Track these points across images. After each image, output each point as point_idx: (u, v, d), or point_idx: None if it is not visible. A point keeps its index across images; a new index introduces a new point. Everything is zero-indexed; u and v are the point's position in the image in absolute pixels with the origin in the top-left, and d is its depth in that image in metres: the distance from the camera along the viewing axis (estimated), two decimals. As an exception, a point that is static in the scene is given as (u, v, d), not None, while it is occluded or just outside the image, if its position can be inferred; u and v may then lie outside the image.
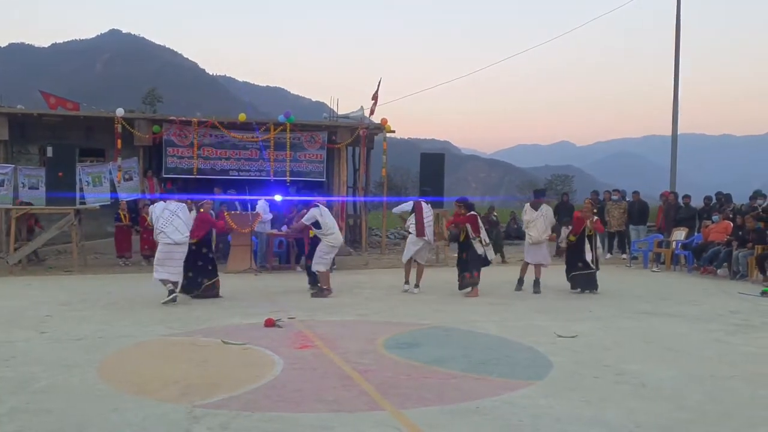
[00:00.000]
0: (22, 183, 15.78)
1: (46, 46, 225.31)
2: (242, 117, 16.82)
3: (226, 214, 14.01)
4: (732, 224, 13.78)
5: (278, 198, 14.37)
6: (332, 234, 10.32)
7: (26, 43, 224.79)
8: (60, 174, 13.38)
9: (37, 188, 15.57)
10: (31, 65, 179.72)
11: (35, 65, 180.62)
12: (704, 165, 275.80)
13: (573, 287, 10.96)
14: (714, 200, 16.01)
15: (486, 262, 10.67)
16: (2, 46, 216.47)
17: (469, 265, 10.49)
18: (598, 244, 11.02)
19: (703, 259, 13.75)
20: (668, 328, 7.85)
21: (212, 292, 9.94)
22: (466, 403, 4.79)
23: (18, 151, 16.93)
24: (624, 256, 16.61)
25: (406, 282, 10.88)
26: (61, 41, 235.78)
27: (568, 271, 11.08)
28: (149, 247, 14.14)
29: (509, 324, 7.99)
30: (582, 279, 10.85)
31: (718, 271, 13.29)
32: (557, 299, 10.18)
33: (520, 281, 11.11)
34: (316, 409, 4.66)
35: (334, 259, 11.14)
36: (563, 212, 17.64)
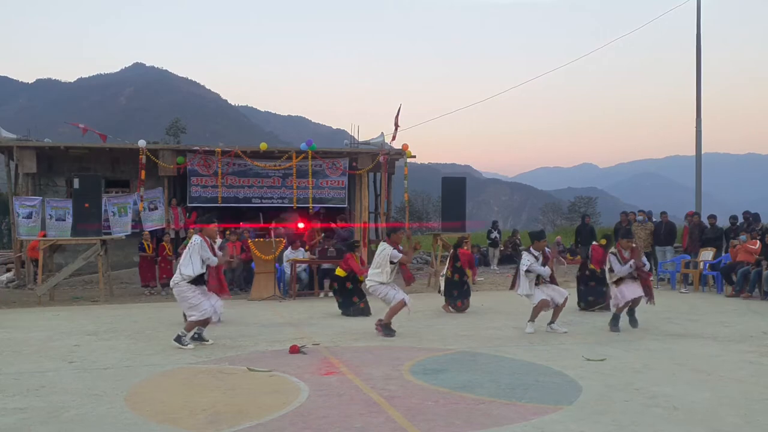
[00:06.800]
0: (50, 215, 16.06)
1: (72, 81, 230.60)
2: (264, 146, 17.03)
3: (249, 241, 14.09)
4: (761, 243, 13.54)
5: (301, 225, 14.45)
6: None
7: (53, 78, 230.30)
8: (86, 205, 13.58)
9: (64, 219, 15.83)
10: (57, 100, 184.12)
11: (62, 100, 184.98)
12: (729, 184, 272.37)
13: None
14: (741, 220, 15.77)
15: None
16: (30, 82, 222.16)
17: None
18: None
19: (736, 282, 13.47)
20: (699, 350, 7.70)
21: None
22: (495, 429, 4.72)
23: (45, 183, 17.28)
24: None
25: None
26: (87, 76, 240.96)
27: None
28: (168, 276, 14.26)
29: (536, 348, 7.90)
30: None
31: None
32: (583, 322, 10.04)
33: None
34: (343, 435, 4.62)
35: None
36: (585, 235, 17.45)
